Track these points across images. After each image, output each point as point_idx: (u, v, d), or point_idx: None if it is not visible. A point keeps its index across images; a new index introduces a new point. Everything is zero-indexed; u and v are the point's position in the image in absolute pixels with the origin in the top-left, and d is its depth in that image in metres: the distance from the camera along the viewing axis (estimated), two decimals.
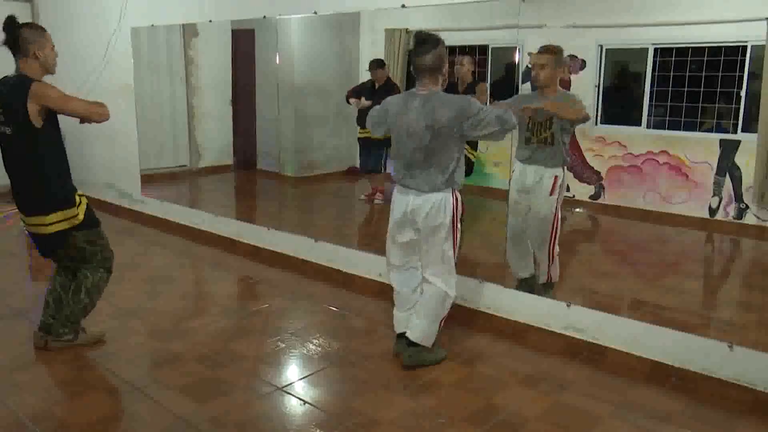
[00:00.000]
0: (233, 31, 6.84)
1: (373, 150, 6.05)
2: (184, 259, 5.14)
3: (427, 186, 2.98)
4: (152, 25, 5.70)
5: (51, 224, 3.05)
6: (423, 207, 2.99)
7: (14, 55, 3.03)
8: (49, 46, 3.07)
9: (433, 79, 2.97)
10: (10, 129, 2.99)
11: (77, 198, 3.12)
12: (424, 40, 2.93)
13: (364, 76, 6.20)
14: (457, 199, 3.03)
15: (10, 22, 3.01)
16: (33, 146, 3.00)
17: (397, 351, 3.21)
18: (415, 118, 2.95)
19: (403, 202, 3.06)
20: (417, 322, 3.13)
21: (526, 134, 3.71)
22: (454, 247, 3.08)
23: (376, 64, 5.92)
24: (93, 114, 3.04)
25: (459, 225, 3.08)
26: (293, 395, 2.87)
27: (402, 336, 3.20)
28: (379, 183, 6.19)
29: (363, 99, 5.83)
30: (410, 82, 6.35)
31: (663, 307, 3.83)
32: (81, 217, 3.11)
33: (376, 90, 5.96)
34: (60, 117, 3.07)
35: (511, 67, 6.07)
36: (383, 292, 4.07)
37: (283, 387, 2.95)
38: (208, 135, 7.18)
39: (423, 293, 3.15)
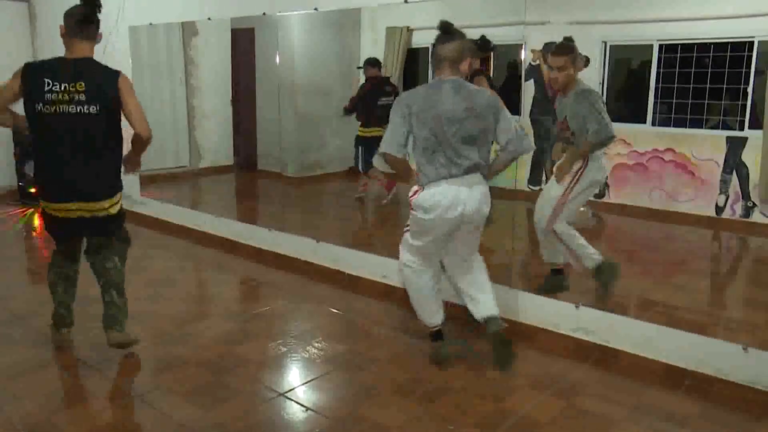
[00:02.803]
0: (233, 30, 6.78)
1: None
2: (185, 261, 5.08)
3: (472, 174, 2.91)
4: (150, 24, 5.63)
5: (113, 205, 3.05)
6: (475, 198, 2.92)
7: (80, 34, 2.97)
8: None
9: (454, 69, 2.88)
10: (94, 108, 2.89)
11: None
12: (448, 30, 2.88)
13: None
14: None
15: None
16: (115, 128, 2.99)
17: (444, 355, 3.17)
18: (452, 102, 2.83)
19: (451, 194, 2.88)
20: (487, 296, 3.15)
21: (557, 134, 3.65)
22: None
23: (372, 62, 6.00)
24: (145, 133, 2.97)
25: None
26: (296, 401, 2.80)
27: (440, 332, 3.21)
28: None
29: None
30: (407, 80, 6.31)
31: (673, 308, 3.76)
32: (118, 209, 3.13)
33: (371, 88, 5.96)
34: None
35: (515, 64, 6.04)
36: (388, 294, 4.02)
37: (286, 392, 2.88)
38: (208, 135, 7.13)
39: (471, 270, 3.19)
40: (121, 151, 3.08)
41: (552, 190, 3.60)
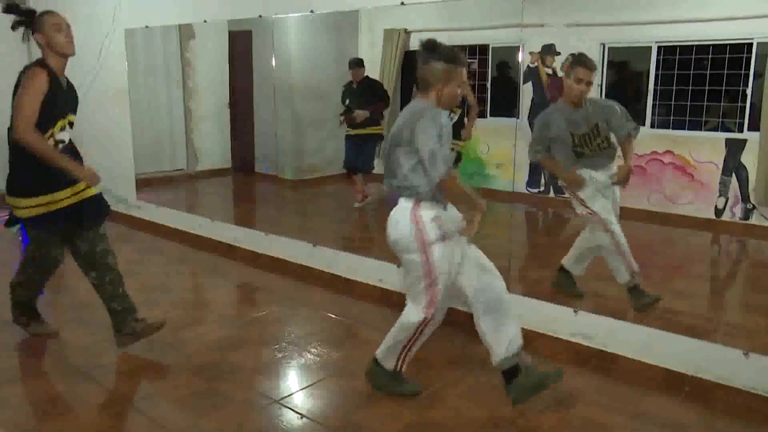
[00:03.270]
0: (230, 33, 6.76)
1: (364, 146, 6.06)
2: (181, 265, 5.03)
3: (401, 198, 2.66)
4: (146, 27, 5.60)
5: (26, 208, 3.08)
6: (390, 220, 2.69)
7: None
8: (48, 26, 3.00)
9: (422, 92, 2.63)
10: (10, 105, 2.98)
11: (40, 197, 3.05)
12: (426, 48, 2.59)
13: None
14: (418, 216, 2.58)
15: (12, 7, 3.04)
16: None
17: None
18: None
19: None
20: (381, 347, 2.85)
21: (575, 149, 3.58)
22: (426, 276, 2.62)
23: (356, 63, 5.96)
24: (17, 133, 2.91)
25: (429, 245, 2.59)
26: (291, 408, 2.76)
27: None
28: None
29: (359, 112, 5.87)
30: (405, 84, 6.29)
31: (673, 312, 3.72)
32: (25, 214, 3.09)
33: (356, 89, 5.96)
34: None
35: (513, 67, 6.01)
36: (385, 299, 3.97)
37: (281, 399, 2.84)
38: (205, 138, 7.11)
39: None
40: (22, 155, 3.01)
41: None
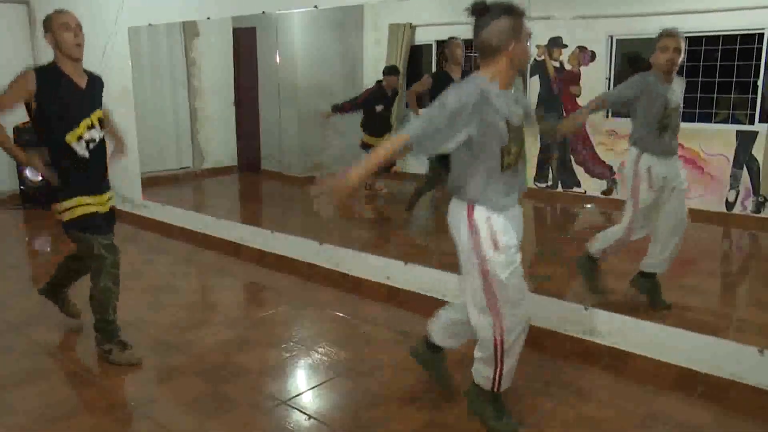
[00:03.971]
0: (234, 30, 6.72)
1: None
2: (187, 265, 5.01)
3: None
4: (150, 25, 5.57)
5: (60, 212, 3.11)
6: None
7: None
8: (56, 26, 2.95)
9: (484, 62, 2.22)
10: None
11: (70, 200, 3.05)
12: (477, 12, 2.18)
13: (368, 74, 6.08)
14: (472, 218, 2.32)
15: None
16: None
17: None
18: None
19: None
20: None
21: (663, 121, 3.45)
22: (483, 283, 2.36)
23: (395, 71, 5.90)
24: None
25: (486, 256, 2.31)
26: (299, 409, 2.73)
27: None
28: None
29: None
30: (411, 82, 6.23)
31: (685, 308, 3.66)
32: (66, 218, 3.08)
33: (390, 97, 5.91)
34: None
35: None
36: (392, 297, 3.94)
37: (288, 400, 2.81)
38: (211, 137, 7.08)
39: None
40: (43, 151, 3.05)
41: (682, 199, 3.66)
